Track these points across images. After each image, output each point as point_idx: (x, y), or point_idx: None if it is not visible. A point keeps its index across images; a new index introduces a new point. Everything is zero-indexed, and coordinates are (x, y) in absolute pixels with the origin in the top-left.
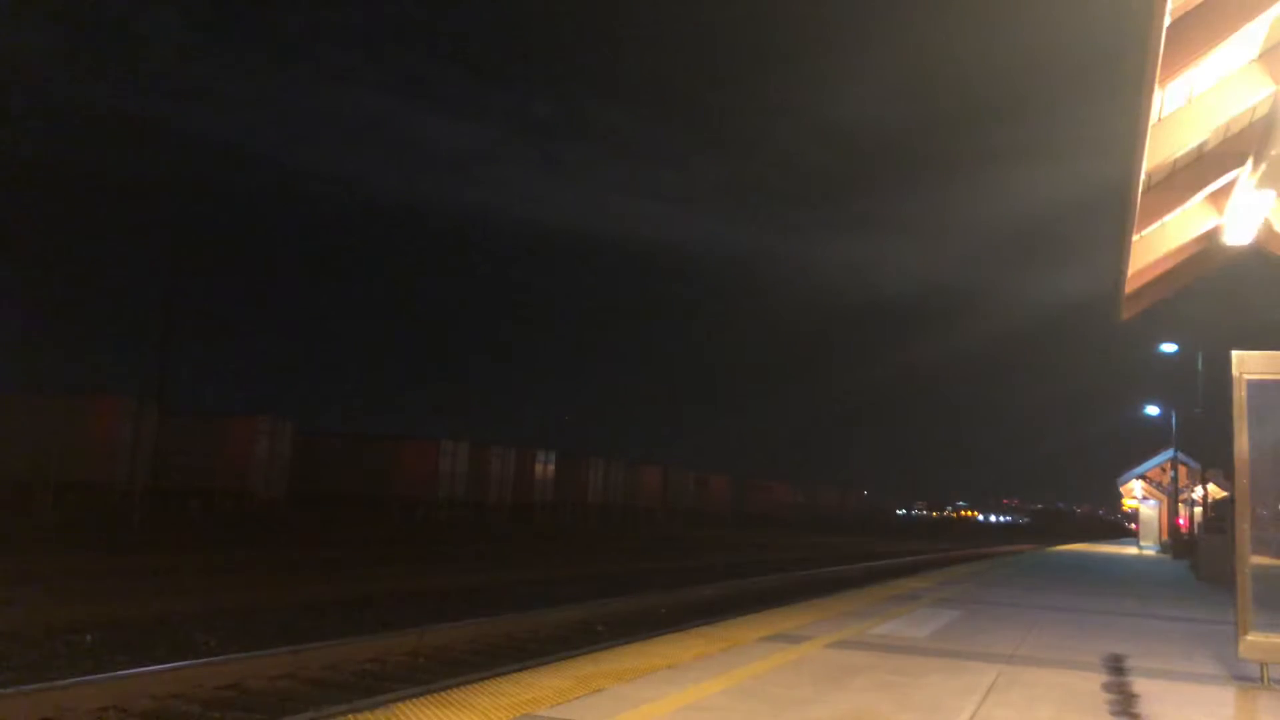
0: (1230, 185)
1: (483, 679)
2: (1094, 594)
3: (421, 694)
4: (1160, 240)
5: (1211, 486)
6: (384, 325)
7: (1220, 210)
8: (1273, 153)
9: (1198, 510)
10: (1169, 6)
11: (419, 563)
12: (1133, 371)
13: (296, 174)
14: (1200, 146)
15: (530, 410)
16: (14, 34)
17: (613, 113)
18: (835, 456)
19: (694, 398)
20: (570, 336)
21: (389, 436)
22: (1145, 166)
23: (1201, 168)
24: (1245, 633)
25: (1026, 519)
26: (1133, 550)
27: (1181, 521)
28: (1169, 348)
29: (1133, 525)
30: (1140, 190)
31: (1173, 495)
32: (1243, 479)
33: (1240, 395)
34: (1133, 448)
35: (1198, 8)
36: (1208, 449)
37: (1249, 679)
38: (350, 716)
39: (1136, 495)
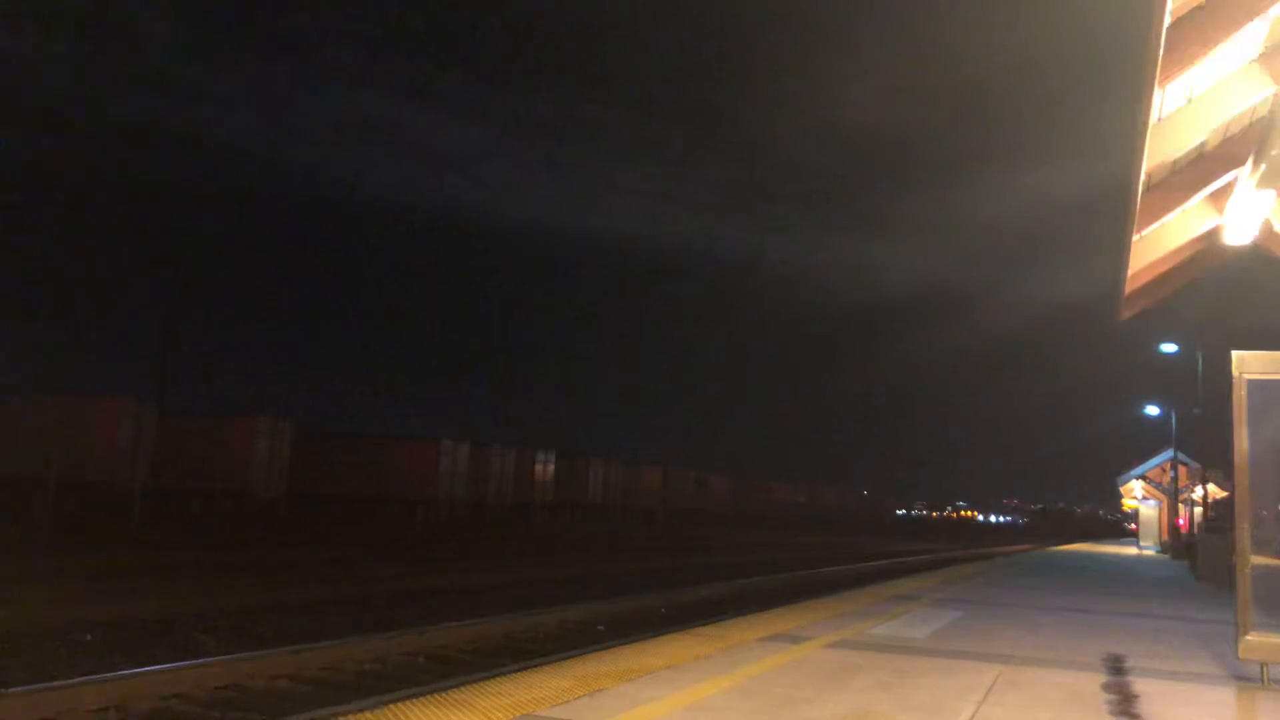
0: (1230, 185)
1: (483, 679)
2: (1094, 594)
3: (421, 694)
4: (1160, 240)
5: (1211, 486)
6: (384, 325)
7: (1220, 210)
8: (1273, 153)
9: (1198, 510)
10: (1169, 6)
11: (419, 563)
12: (1133, 371)
13: (296, 174)
14: (1200, 146)
15: (530, 410)
16: (13, 34)
17: (613, 113)
18: (835, 456)
19: (694, 398)
20: (570, 336)
21: (389, 436)
22: (1145, 166)
23: (1201, 168)
24: (1245, 633)
25: (1026, 519)
26: (1133, 550)
27: (1181, 522)
28: (1169, 348)
29: (1133, 525)
30: (1140, 190)
31: (1173, 495)
32: (1243, 479)
33: (1240, 395)
34: (1133, 448)
35: (1198, 8)
36: (1208, 449)
37: (1249, 679)
38: (350, 716)
39: (1136, 495)
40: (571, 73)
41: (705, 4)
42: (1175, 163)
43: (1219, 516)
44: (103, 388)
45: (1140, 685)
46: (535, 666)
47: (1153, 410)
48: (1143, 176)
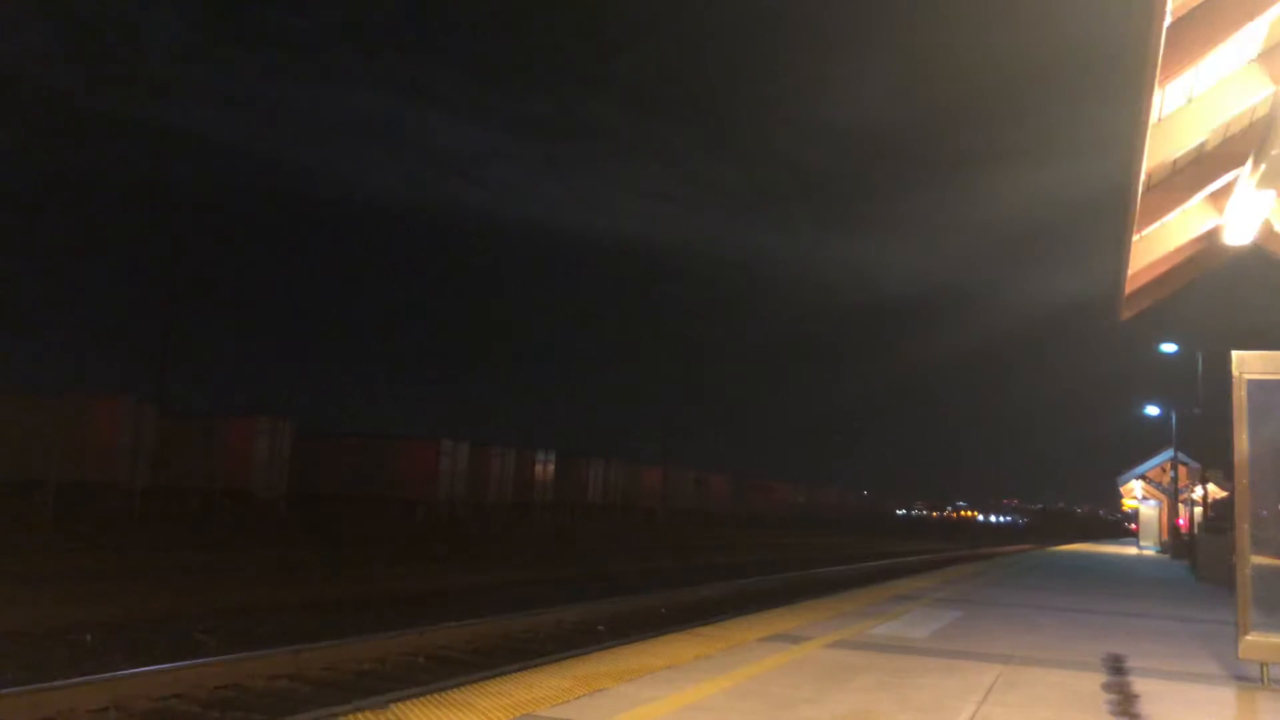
0: (1230, 185)
1: (483, 679)
2: (1094, 594)
3: (421, 694)
4: (1160, 240)
5: (1211, 486)
6: (384, 325)
7: (1220, 210)
8: (1273, 153)
9: (1198, 510)
10: (1169, 6)
11: (419, 563)
12: (1133, 371)
13: (296, 174)
14: (1200, 146)
15: (530, 410)
16: (14, 34)
17: (613, 113)
18: (835, 456)
19: (694, 397)
20: (570, 336)
21: (389, 436)
22: (1145, 166)
23: (1201, 168)
24: (1245, 633)
25: (1026, 519)
26: (1133, 550)
27: (1181, 521)
28: (1169, 348)
29: (1133, 525)
30: (1140, 190)
31: (1173, 495)
32: (1243, 479)
33: (1240, 395)
34: (1133, 448)
35: (1198, 8)
36: (1208, 449)
37: (1249, 679)
38: (350, 716)
39: (1136, 495)
40: (571, 73)
41: (705, 4)
42: (1175, 163)
43: (1219, 516)
44: (103, 388)
45: (1140, 685)
46: (535, 666)
47: (1153, 410)
48: (1143, 176)
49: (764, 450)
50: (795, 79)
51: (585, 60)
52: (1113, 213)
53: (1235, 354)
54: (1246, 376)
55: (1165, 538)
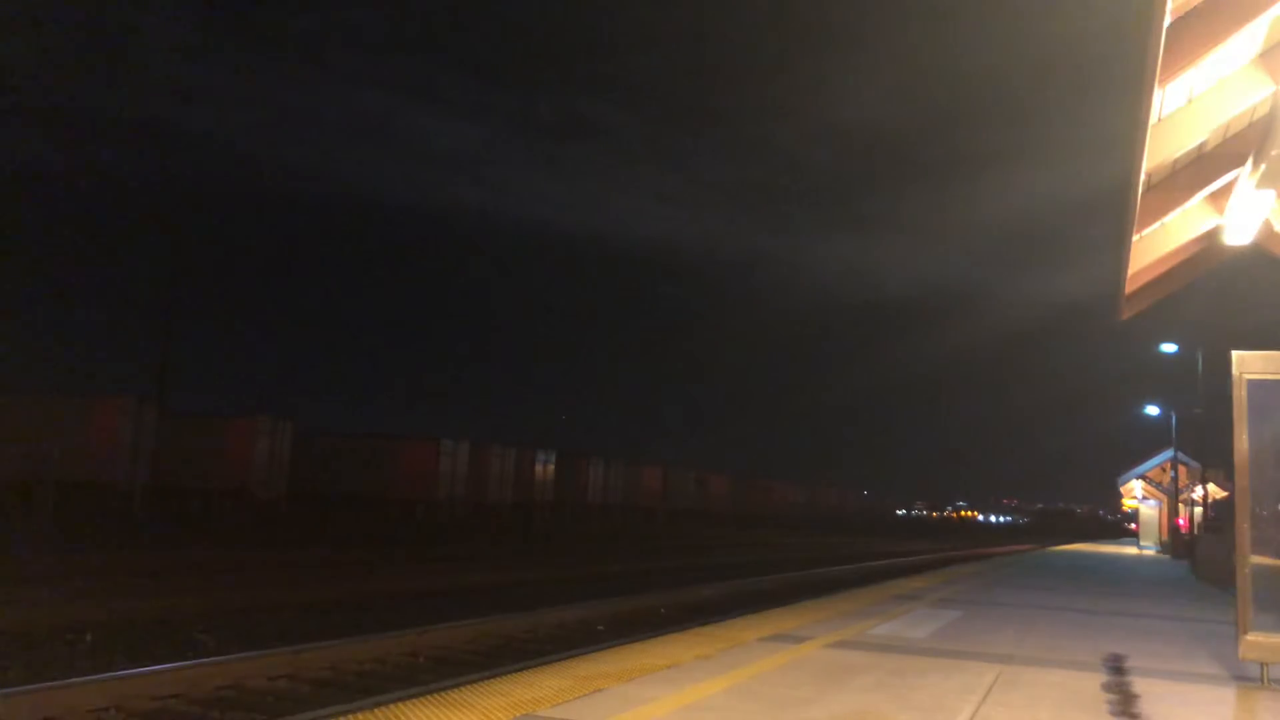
0: (1230, 185)
1: (483, 679)
2: (1094, 594)
3: (421, 694)
4: (1160, 240)
5: (1211, 486)
6: (384, 325)
7: (1220, 210)
8: (1273, 153)
9: (1198, 510)
10: (1169, 6)
11: (418, 563)
12: (1133, 371)
13: (297, 174)
14: (1200, 146)
15: (530, 410)
16: (13, 34)
17: (613, 113)
18: (835, 456)
19: (695, 397)
20: (571, 336)
21: (389, 436)
22: (1145, 166)
23: (1201, 168)
24: (1245, 633)
25: (1026, 519)
26: (1133, 550)
27: (1181, 521)
28: (1169, 348)
29: (1133, 525)
30: (1140, 190)
31: (1173, 495)
32: (1243, 479)
33: (1240, 395)
34: (1133, 448)
35: (1198, 8)
36: (1208, 449)
37: (1249, 679)
38: (350, 716)
39: (1136, 495)
40: (572, 73)
41: (706, 4)
42: (1175, 163)
43: (1219, 516)
44: (103, 388)
45: (1140, 685)
46: (535, 666)
47: (1153, 410)
48: (1143, 176)
49: (764, 450)
50: (796, 79)
51: (586, 60)
52: (1113, 213)
53: (1235, 354)
54: (1246, 376)
55: (1165, 538)
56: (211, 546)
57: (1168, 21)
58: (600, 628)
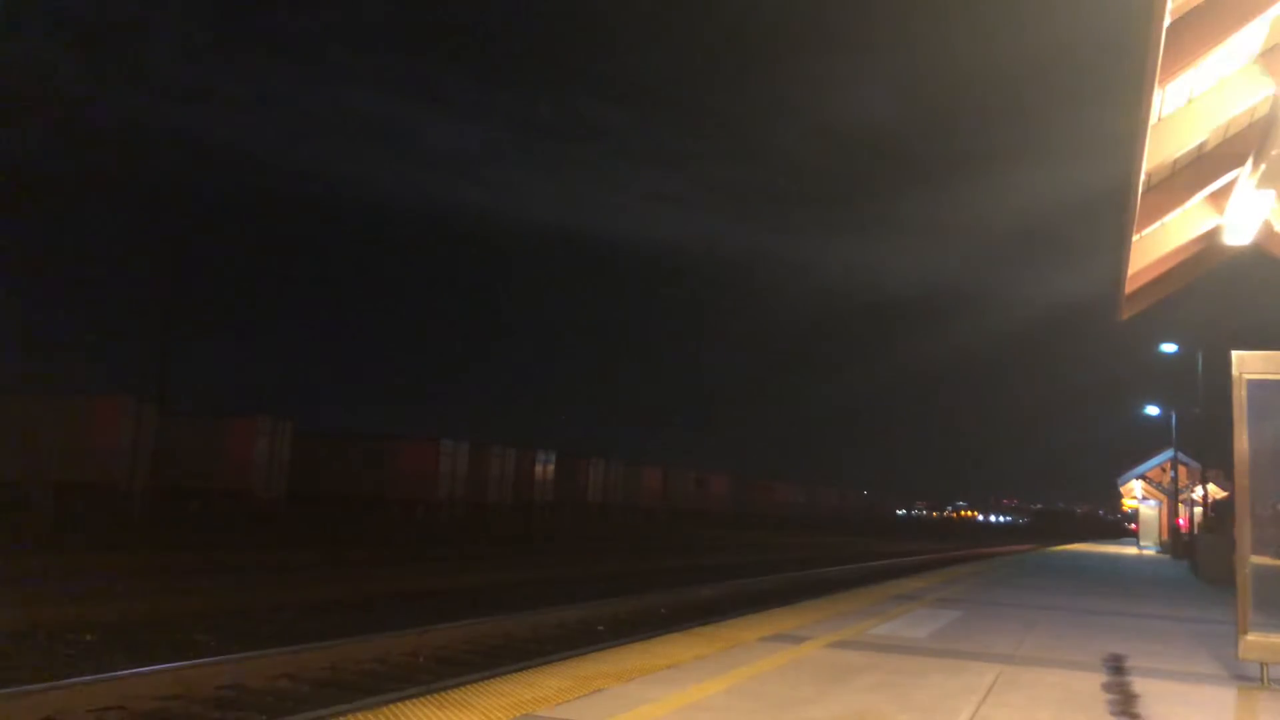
0: (1230, 185)
1: (483, 679)
2: (1094, 594)
3: (421, 694)
4: (1160, 240)
5: (1211, 486)
6: (384, 325)
7: (1220, 210)
8: (1273, 153)
9: (1198, 510)
10: (1169, 6)
11: (419, 563)
12: (1133, 371)
13: (297, 174)
14: (1200, 146)
15: (530, 410)
16: (13, 35)
17: (615, 113)
18: (835, 456)
19: (695, 397)
20: (571, 336)
21: (389, 436)
22: (1145, 166)
23: (1201, 168)
24: (1245, 633)
25: (1026, 519)
26: (1133, 550)
27: (1181, 521)
28: (1169, 348)
29: (1133, 525)
30: (1140, 190)
31: (1173, 495)
32: (1243, 479)
33: (1240, 395)
34: (1133, 448)
35: (1198, 8)
36: (1208, 449)
37: (1249, 679)
38: (350, 716)
39: (1136, 495)
40: (572, 73)
41: (707, 4)
42: (1175, 163)
43: (1219, 516)
44: (103, 388)
45: (1140, 685)
46: (535, 666)
47: (1153, 410)
48: (1143, 176)
49: (764, 450)
50: (796, 79)
51: (586, 60)
52: (1113, 213)
53: (1235, 354)
54: (1246, 376)
55: (1165, 538)
56: (211, 547)
57: (1168, 21)
58: (600, 628)
